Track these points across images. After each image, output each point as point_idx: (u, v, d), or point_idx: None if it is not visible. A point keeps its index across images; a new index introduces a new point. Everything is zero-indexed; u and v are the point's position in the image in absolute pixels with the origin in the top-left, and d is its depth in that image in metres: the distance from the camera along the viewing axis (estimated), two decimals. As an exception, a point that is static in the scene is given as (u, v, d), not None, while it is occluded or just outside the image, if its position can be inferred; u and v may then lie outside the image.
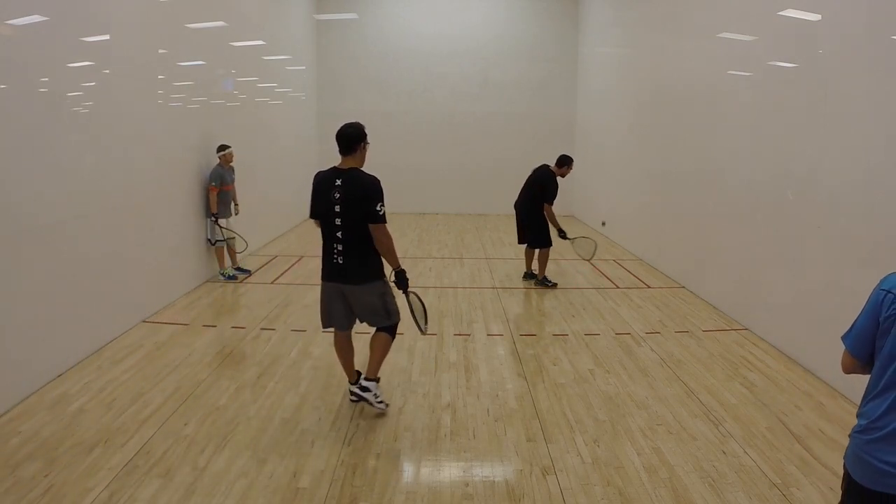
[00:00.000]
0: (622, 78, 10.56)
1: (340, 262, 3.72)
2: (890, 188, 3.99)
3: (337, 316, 3.94)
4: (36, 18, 4.36)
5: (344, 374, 4.24)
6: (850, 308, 4.33)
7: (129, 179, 5.64)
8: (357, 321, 4.02)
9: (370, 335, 4.11)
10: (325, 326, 4.06)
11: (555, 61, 13.45)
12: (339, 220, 3.66)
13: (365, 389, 3.95)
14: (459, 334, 5.70)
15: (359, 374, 4.13)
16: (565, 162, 7.58)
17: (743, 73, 6.07)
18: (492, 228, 11.96)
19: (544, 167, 7.59)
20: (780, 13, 5.24)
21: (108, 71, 5.29)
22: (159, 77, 6.26)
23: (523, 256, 8.18)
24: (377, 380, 4.00)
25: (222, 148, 7.31)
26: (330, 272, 3.81)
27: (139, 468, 3.36)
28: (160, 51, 6.25)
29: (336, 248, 3.72)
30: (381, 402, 4.00)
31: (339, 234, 3.70)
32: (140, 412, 4.02)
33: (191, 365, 4.85)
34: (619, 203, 10.44)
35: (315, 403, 4.23)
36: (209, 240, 7.36)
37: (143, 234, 5.91)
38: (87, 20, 4.99)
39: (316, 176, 3.86)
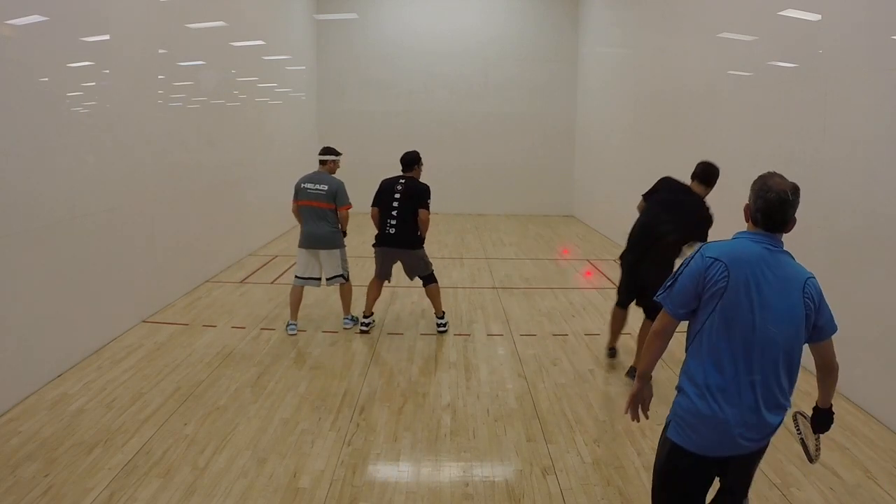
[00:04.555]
0: (622, 78, 10.55)
1: (392, 232, 5.42)
2: (890, 188, 3.99)
3: (383, 270, 5.67)
4: (36, 18, 4.36)
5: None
6: (850, 308, 4.35)
7: (129, 179, 5.64)
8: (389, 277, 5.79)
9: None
10: (377, 277, 5.70)
11: (555, 61, 13.45)
12: (396, 205, 5.44)
13: (442, 324, 5.73)
14: (459, 334, 5.70)
15: (372, 313, 5.80)
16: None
17: (743, 73, 6.07)
18: (492, 228, 11.95)
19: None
20: (780, 13, 5.24)
21: (108, 71, 5.29)
22: (159, 77, 6.26)
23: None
24: (443, 314, 5.79)
25: (336, 152, 5.79)
26: (384, 239, 5.49)
27: (139, 468, 3.36)
28: (160, 51, 6.25)
29: (390, 223, 5.43)
30: (445, 327, 5.77)
31: (394, 213, 5.42)
32: (140, 412, 4.02)
33: (191, 365, 4.85)
34: (619, 203, 10.43)
35: (315, 403, 4.23)
36: (343, 275, 5.70)
37: (143, 234, 5.91)
38: (87, 20, 4.99)
39: (383, 181, 5.63)
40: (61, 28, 4.66)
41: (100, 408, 4.07)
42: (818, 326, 2.21)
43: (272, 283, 7.51)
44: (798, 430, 2.63)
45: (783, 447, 3.67)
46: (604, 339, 5.57)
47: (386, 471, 3.45)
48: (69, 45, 4.80)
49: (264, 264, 8.46)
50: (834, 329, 2.25)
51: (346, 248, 5.78)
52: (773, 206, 2.18)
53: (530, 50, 13.42)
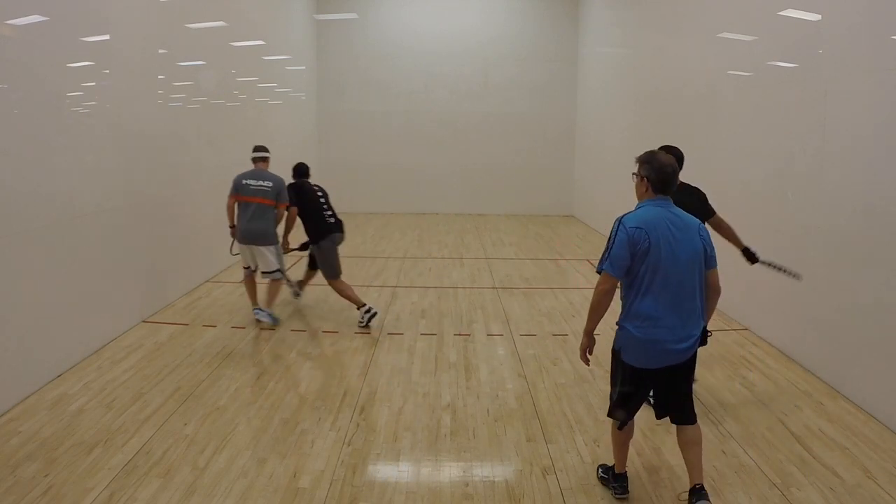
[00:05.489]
0: (622, 78, 10.55)
1: (333, 221, 6.03)
2: (890, 188, 3.99)
3: (339, 263, 6.06)
4: (36, 18, 4.35)
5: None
6: (850, 308, 4.35)
7: (129, 179, 5.64)
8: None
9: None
10: (339, 274, 6.02)
11: (555, 61, 13.46)
12: (323, 200, 6.09)
13: (371, 313, 5.84)
14: (459, 334, 5.70)
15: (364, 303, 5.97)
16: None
17: (743, 73, 6.07)
18: (492, 228, 11.96)
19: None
20: (780, 13, 5.24)
21: (108, 71, 5.29)
22: (159, 77, 6.26)
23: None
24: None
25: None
26: (331, 228, 5.99)
27: (139, 468, 3.36)
28: (160, 51, 6.25)
29: (327, 214, 6.02)
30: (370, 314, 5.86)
31: (325, 207, 6.05)
32: (140, 412, 4.02)
33: (191, 365, 4.85)
34: (619, 203, 10.41)
35: (315, 403, 4.23)
36: (280, 270, 5.89)
37: (143, 234, 5.91)
38: (87, 20, 4.99)
39: (301, 187, 6.09)
40: (61, 28, 4.65)
41: (100, 408, 4.07)
42: (710, 256, 2.92)
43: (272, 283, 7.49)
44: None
45: (783, 447, 3.67)
46: (604, 339, 5.56)
47: (386, 471, 3.45)
48: (69, 45, 4.80)
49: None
50: (716, 262, 2.95)
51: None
52: (670, 177, 2.93)
53: (530, 50, 13.42)
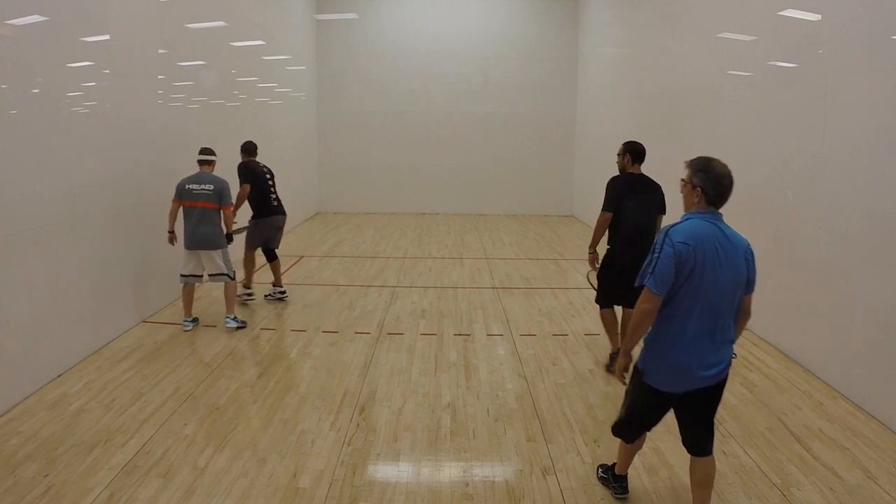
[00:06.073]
0: (622, 78, 10.55)
1: (276, 204, 6.60)
2: (890, 188, 3.99)
3: (261, 241, 6.68)
4: (36, 18, 4.36)
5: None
6: (851, 308, 4.35)
7: (129, 179, 5.64)
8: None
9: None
10: (252, 248, 6.65)
11: (555, 61, 13.46)
12: (271, 182, 6.59)
13: (281, 291, 6.72)
14: (459, 334, 5.70)
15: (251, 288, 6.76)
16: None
17: (743, 73, 6.07)
18: (492, 228, 11.95)
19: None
20: (780, 13, 5.24)
21: (108, 71, 5.29)
22: (159, 77, 6.26)
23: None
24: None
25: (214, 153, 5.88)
26: (274, 210, 6.58)
27: (139, 468, 3.36)
28: (160, 51, 6.25)
29: (273, 197, 6.56)
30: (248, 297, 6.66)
31: (271, 189, 6.56)
32: (140, 412, 4.02)
33: (191, 365, 4.85)
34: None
35: (315, 403, 4.23)
36: (227, 274, 5.70)
37: (143, 234, 5.90)
38: (87, 20, 4.99)
39: (252, 165, 6.46)
40: (61, 28, 4.65)
41: (100, 408, 4.07)
42: (751, 281, 2.73)
43: (272, 283, 7.50)
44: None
45: (783, 447, 3.67)
46: (603, 340, 5.57)
47: (386, 471, 3.45)
48: (69, 45, 4.80)
49: (264, 264, 8.44)
50: (754, 287, 2.77)
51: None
52: (727, 189, 2.66)
53: (530, 50, 13.42)
